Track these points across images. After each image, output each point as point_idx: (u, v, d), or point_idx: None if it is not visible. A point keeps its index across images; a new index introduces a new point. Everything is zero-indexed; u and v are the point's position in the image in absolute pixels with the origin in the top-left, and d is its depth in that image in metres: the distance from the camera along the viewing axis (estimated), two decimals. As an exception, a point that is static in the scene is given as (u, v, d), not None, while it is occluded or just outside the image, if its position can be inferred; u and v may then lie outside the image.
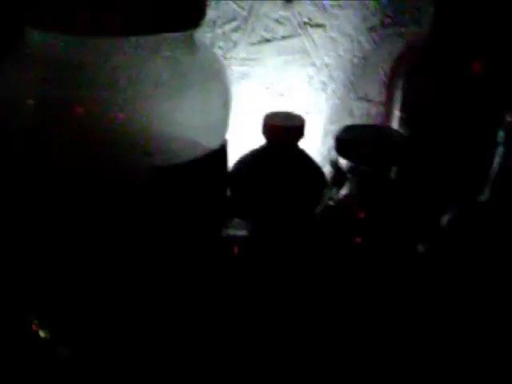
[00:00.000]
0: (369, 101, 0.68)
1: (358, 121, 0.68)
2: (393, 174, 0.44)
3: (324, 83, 0.66)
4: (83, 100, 0.39)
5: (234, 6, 0.59)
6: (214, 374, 0.42)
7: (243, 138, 0.52)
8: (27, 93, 0.41)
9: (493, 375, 0.40)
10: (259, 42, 0.62)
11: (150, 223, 0.41)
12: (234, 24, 0.60)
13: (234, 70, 0.59)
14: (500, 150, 0.37)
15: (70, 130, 0.40)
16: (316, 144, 0.67)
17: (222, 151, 0.45)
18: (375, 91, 0.66)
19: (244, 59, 0.62)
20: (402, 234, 0.42)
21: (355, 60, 0.65)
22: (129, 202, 0.41)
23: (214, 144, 0.43)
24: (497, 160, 0.37)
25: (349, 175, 0.43)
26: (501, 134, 0.37)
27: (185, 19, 0.40)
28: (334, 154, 0.43)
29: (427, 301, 0.41)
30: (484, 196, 0.39)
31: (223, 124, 0.44)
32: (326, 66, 0.65)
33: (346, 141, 0.42)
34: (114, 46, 0.39)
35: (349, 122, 0.67)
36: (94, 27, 0.38)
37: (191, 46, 0.42)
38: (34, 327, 0.44)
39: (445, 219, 0.40)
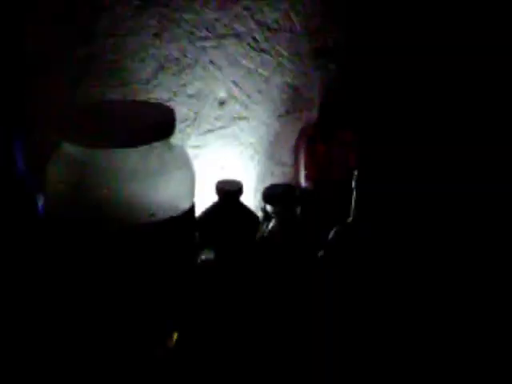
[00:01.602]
0: (283, 164, 0.92)
1: (277, 179, 0.91)
2: (298, 212, 0.70)
3: (251, 156, 0.90)
4: (106, 186, 0.64)
5: (186, 110, 0.85)
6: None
7: (201, 197, 0.77)
8: (65, 183, 0.64)
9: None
10: (204, 133, 0.87)
11: (150, 258, 0.66)
12: (186, 122, 0.85)
13: (189, 153, 0.84)
14: (354, 193, 0.65)
15: (98, 205, 0.64)
16: (250, 197, 0.90)
17: (192, 209, 0.70)
18: (287, 157, 0.91)
19: (195, 146, 0.86)
20: (307, 245, 0.68)
21: (270, 138, 0.90)
22: (136, 248, 0.64)
23: (187, 205, 0.68)
24: (353, 199, 0.65)
25: (272, 215, 0.69)
26: (353, 184, 0.65)
27: (168, 131, 0.66)
28: (262, 203, 0.70)
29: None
30: (350, 219, 0.66)
31: (192, 192, 0.70)
32: (251, 144, 0.90)
33: (269, 194, 0.69)
34: (122, 151, 0.64)
35: (271, 180, 0.91)
36: (109, 142, 0.63)
37: (169, 145, 0.67)
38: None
39: (330, 234, 0.67)
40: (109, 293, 0.65)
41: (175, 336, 0.67)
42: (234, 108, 0.88)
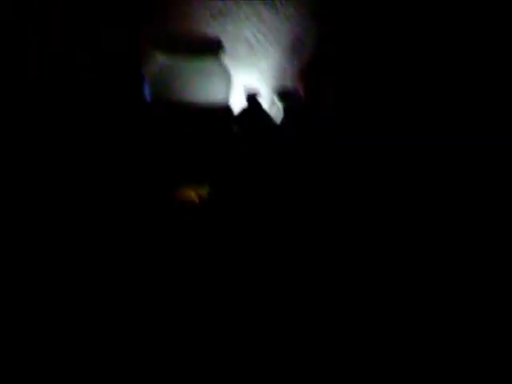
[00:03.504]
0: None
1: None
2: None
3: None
4: (181, 80, 1.11)
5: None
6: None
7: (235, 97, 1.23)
8: (156, 76, 1.12)
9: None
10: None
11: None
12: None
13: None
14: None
15: (176, 91, 1.11)
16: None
17: (228, 97, 1.17)
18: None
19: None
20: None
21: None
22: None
23: (227, 94, 1.15)
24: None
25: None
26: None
27: (218, 49, 1.12)
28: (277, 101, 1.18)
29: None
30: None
31: (230, 87, 1.16)
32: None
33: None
34: (193, 58, 1.11)
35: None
36: (185, 51, 1.10)
37: (219, 62, 1.13)
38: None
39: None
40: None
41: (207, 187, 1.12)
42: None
